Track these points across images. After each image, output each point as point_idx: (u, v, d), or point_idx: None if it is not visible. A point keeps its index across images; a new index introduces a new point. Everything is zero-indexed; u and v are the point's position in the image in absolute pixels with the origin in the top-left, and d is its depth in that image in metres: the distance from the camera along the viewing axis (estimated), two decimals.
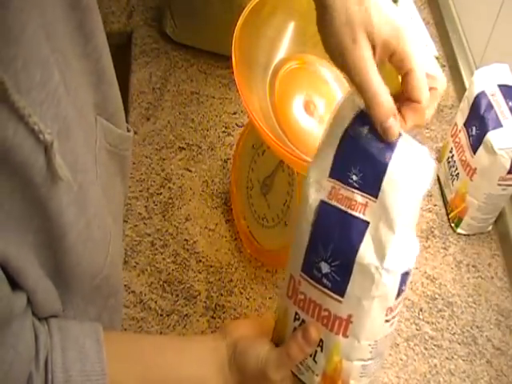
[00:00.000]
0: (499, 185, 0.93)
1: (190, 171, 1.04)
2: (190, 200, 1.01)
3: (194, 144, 1.07)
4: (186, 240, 0.97)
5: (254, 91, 0.80)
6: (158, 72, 1.16)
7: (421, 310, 0.94)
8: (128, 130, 0.70)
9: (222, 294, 0.92)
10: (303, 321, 0.61)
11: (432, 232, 1.02)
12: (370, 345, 0.59)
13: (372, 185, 0.54)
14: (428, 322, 0.93)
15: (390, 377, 0.88)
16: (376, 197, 0.54)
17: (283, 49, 0.84)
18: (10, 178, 0.45)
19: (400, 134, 0.55)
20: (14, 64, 0.42)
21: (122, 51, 1.18)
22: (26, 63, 0.43)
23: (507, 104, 0.92)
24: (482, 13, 1.14)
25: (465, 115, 0.97)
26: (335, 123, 0.57)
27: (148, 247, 0.96)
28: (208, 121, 1.10)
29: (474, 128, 0.95)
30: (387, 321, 0.58)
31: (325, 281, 0.57)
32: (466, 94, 0.98)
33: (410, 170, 0.54)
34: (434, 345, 0.91)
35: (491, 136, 0.90)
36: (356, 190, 0.55)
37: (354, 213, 0.55)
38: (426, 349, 0.91)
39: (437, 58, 1.12)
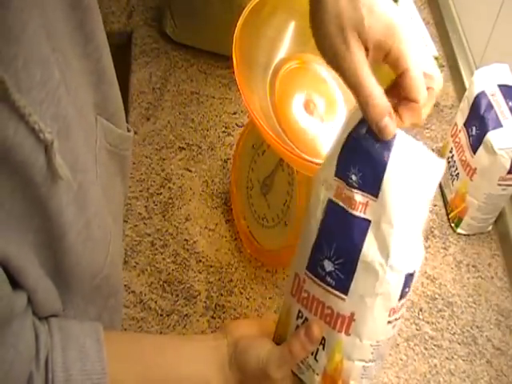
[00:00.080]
0: (499, 185, 0.93)
1: (190, 171, 1.04)
2: (190, 200, 1.01)
3: (194, 144, 1.07)
4: (185, 240, 0.97)
5: (254, 91, 0.80)
6: (158, 72, 1.16)
7: (421, 310, 0.94)
8: (128, 130, 0.70)
9: (222, 294, 0.92)
10: (306, 319, 0.61)
11: (432, 232, 1.02)
12: (371, 345, 0.59)
13: (372, 184, 0.55)
14: (428, 322, 0.93)
15: (390, 377, 0.88)
16: (376, 196, 0.55)
17: (283, 49, 0.84)
18: (11, 177, 0.45)
19: (399, 133, 0.55)
20: (15, 63, 0.42)
21: (122, 51, 1.18)
22: (27, 62, 0.43)
23: (507, 104, 0.92)
24: (481, 13, 1.14)
25: (465, 115, 0.97)
26: (342, 129, 0.58)
27: (148, 247, 0.96)
28: (208, 121, 1.10)
29: (474, 128, 0.95)
30: (390, 322, 0.58)
31: (328, 279, 0.58)
32: (466, 93, 0.98)
33: (411, 169, 0.54)
34: (434, 345, 0.91)
35: (491, 136, 0.90)
36: (356, 190, 0.56)
37: (354, 212, 0.56)
38: (426, 349, 0.91)
39: (437, 58, 1.12)
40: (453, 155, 1.01)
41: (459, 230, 1.01)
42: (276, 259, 0.93)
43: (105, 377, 0.57)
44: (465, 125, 0.97)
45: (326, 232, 0.58)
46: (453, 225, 1.02)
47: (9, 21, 0.42)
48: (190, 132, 1.09)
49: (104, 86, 0.62)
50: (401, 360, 0.89)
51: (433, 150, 1.10)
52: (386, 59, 0.56)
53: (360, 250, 0.55)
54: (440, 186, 1.06)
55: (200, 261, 0.95)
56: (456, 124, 1.00)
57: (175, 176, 1.03)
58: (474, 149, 0.94)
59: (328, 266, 0.58)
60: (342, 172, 0.57)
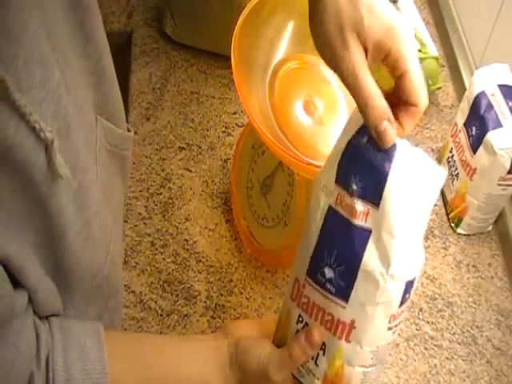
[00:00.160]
0: (499, 185, 0.93)
1: (190, 171, 1.04)
2: (190, 200, 1.01)
3: (194, 144, 1.07)
4: (185, 240, 0.97)
5: (253, 91, 0.80)
6: (158, 72, 1.16)
7: (421, 309, 0.94)
8: (128, 130, 0.70)
9: (222, 294, 0.92)
10: (306, 323, 0.61)
11: (432, 232, 1.02)
12: (371, 351, 0.59)
13: (373, 194, 0.54)
14: (428, 322, 0.93)
15: (390, 377, 0.88)
16: (377, 205, 0.54)
17: (283, 49, 0.84)
18: (11, 176, 0.45)
19: (400, 143, 0.54)
20: (15, 63, 0.42)
21: (122, 51, 1.18)
22: (27, 62, 0.43)
23: (507, 104, 0.92)
24: (482, 13, 1.14)
25: (465, 115, 0.97)
26: (343, 133, 0.58)
27: (148, 247, 0.96)
28: (208, 121, 1.10)
29: (474, 128, 0.95)
30: (390, 328, 0.58)
31: (329, 286, 0.58)
32: (466, 93, 0.98)
33: (412, 179, 0.54)
34: (434, 345, 0.91)
35: (491, 136, 0.90)
36: (357, 199, 0.55)
37: (355, 221, 0.55)
38: (426, 349, 0.91)
39: (437, 58, 1.12)
40: (453, 155, 1.01)
41: (459, 230, 1.01)
42: (276, 259, 0.93)
43: (105, 376, 0.57)
44: (465, 125, 0.97)
45: (326, 239, 0.58)
46: (453, 225, 1.02)
47: (9, 21, 0.42)
48: (190, 132, 1.09)
49: (104, 85, 0.62)
50: (401, 360, 0.89)
51: (433, 150, 1.10)
52: (385, 60, 0.55)
53: (361, 259, 0.55)
54: None
55: (200, 261, 0.95)
56: (456, 124, 1.00)
57: (175, 176, 1.03)
58: (474, 149, 0.94)
59: (328, 273, 0.57)
60: (342, 180, 0.56)
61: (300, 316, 0.62)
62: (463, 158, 0.97)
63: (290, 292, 0.63)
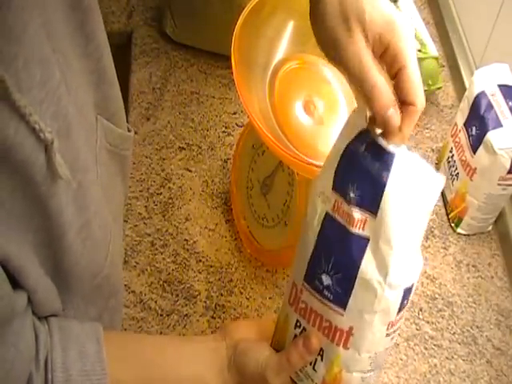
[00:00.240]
0: (499, 185, 0.93)
1: (190, 171, 1.04)
2: (190, 200, 1.01)
3: (194, 144, 1.07)
4: (185, 240, 0.97)
5: (253, 91, 0.80)
6: (158, 72, 1.16)
7: (421, 309, 0.94)
8: (128, 130, 0.70)
9: (222, 294, 0.92)
10: (304, 329, 0.61)
11: (432, 232, 1.02)
12: (370, 357, 0.59)
13: (370, 202, 0.54)
14: (428, 322, 0.93)
15: (390, 377, 0.88)
16: (375, 214, 0.54)
17: (283, 49, 0.84)
18: (11, 176, 0.45)
19: (398, 152, 0.53)
20: (15, 63, 0.43)
21: (122, 51, 1.18)
22: (27, 62, 0.43)
23: (507, 104, 0.92)
24: (482, 13, 1.14)
25: (465, 115, 0.97)
26: (340, 137, 0.57)
27: (148, 247, 0.96)
28: (208, 121, 1.10)
29: (474, 128, 0.95)
30: (388, 335, 0.58)
31: (326, 293, 0.57)
32: (466, 93, 0.98)
33: (410, 188, 0.53)
34: (434, 345, 0.91)
35: (491, 136, 0.90)
36: (354, 207, 0.55)
37: (352, 229, 0.55)
38: (425, 349, 0.91)
39: (437, 58, 1.12)
40: (453, 155, 1.01)
41: (459, 230, 1.01)
42: (276, 259, 0.93)
43: (105, 377, 0.57)
44: (465, 125, 0.97)
45: (323, 245, 0.58)
46: (453, 225, 1.02)
47: (10, 21, 0.42)
48: (190, 132, 1.09)
49: (104, 85, 0.62)
50: (401, 360, 0.89)
51: (433, 150, 1.10)
52: (383, 56, 0.55)
53: (358, 267, 0.55)
54: None
55: (200, 261, 0.95)
56: (456, 124, 1.00)
57: (175, 176, 1.03)
58: (474, 149, 0.94)
59: (326, 280, 0.57)
60: (339, 187, 0.56)
61: (298, 321, 0.62)
62: (463, 157, 0.97)
63: (287, 296, 0.62)
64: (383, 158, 0.53)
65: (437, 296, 0.95)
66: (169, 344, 0.68)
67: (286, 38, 0.83)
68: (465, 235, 1.02)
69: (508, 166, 0.90)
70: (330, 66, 0.84)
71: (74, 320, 0.59)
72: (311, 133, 0.82)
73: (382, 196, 0.53)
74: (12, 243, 0.47)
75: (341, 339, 0.58)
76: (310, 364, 0.61)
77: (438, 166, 1.07)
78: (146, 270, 0.94)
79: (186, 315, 0.90)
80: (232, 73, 0.75)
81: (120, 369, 0.60)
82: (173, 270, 0.94)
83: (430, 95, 1.15)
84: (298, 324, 0.62)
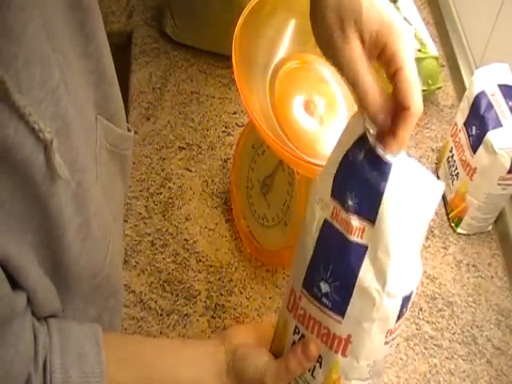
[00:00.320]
0: (499, 184, 0.93)
1: (190, 171, 1.04)
2: (189, 200, 1.01)
3: (194, 144, 1.07)
4: (185, 240, 0.97)
5: (253, 91, 0.80)
6: (158, 72, 1.16)
7: (421, 309, 0.94)
8: (128, 130, 0.70)
9: (221, 294, 0.92)
10: (303, 335, 0.61)
11: (432, 232, 1.02)
12: (368, 365, 0.58)
13: (368, 211, 0.54)
14: (428, 322, 0.93)
15: (390, 376, 0.88)
16: (373, 223, 0.54)
17: (283, 48, 0.84)
18: (11, 176, 0.45)
19: (395, 161, 0.53)
20: (15, 63, 0.43)
21: (122, 51, 1.18)
22: (27, 62, 0.43)
23: (507, 104, 0.92)
24: (482, 13, 1.14)
25: (465, 115, 0.97)
26: (339, 143, 0.57)
27: (148, 247, 0.96)
28: (208, 121, 1.10)
29: (473, 128, 0.95)
30: (387, 342, 0.58)
31: (325, 300, 0.57)
32: (466, 93, 0.98)
33: (408, 196, 0.53)
34: (434, 344, 0.91)
35: (491, 136, 0.90)
36: (352, 215, 0.55)
37: (351, 237, 0.55)
38: (425, 348, 0.91)
39: (437, 58, 1.12)
40: (453, 155, 1.01)
41: (459, 230, 1.01)
42: (276, 259, 0.93)
43: (103, 380, 0.57)
44: (465, 124, 0.97)
45: (321, 253, 0.57)
46: (453, 224, 1.02)
47: (10, 21, 0.42)
48: (190, 132, 1.09)
49: (104, 85, 0.62)
50: (401, 360, 0.89)
51: (433, 149, 1.10)
52: (380, 56, 0.54)
53: (356, 276, 0.55)
54: None
55: (200, 260, 0.95)
56: (456, 124, 1.00)
57: (175, 176, 1.03)
58: (474, 148, 0.94)
59: (324, 287, 0.57)
60: (338, 194, 0.56)
61: (297, 327, 0.61)
62: (463, 157, 0.97)
63: (286, 302, 0.62)
64: (381, 167, 0.53)
65: (437, 296, 0.95)
66: (168, 347, 0.68)
67: (286, 37, 0.83)
68: (465, 235, 1.02)
69: (508, 166, 0.90)
70: (329, 65, 0.84)
71: (73, 321, 0.59)
72: (311, 132, 0.83)
73: (379, 205, 0.53)
74: (11, 243, 0.47)
75: (339, 347, 0.58)
76: (309, 371, 0.61)
77: (437, 166, 1.07)
78: (146, 269, 0.94)
79: (186, 315, 0.90)
80: (232, 73, 0.75)
81: (119, 370, 0.60)
82: (173, 269, 0.94)
83: (430, 95, 1.15)
84: (297, 330, 0.61)
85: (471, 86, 0.97)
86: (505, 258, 1.00)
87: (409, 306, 0.58)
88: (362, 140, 0.54)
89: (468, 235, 1.02)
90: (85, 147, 0.55)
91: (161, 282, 0.93)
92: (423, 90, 1.11)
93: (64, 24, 0.53)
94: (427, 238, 1.01)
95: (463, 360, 0.90)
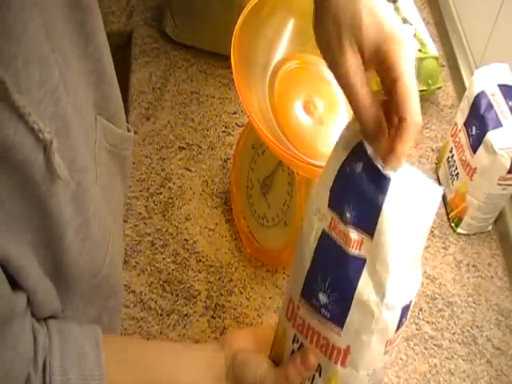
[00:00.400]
0: (499, 184, 0.93)
1: (190, 171, 1.04)
2: (189, 200, 1.01)
3: (194, 144, 1.07)
4: (185, 240, 0.97)
5: (253, 91, 0.80)
6: (158, 72, 1.16)
7: (421, 309, 0.94)
8: (128, 130, 0.70)
9: (221, 294, 0.92)
10: (302, 344, 0.61)
11: (432, 232, 1.01)
12: (368, 374, 0.58)
13: (367, 224, 0.53)
14: (428, 322, 0.93)
15: (390, 376, 0.88)
16: (372, 235, 0.53)
17: (283, 49, 0.84)
18: (11, 176, 0.45)
19: (393, 174, 0.52)
20: (15, 63, 0.43)
21: (122, 51, 1.18)
22: (26, 62, 0.43)
23: (507, 104, 0.92)
24: (482, 13, 1.14)
25: (465, 115, 0.97)
26: (335, 152, 0.56)
27: (148, 247, 0.96)
28: (208, 121, 1.10)
29: (473, 128, 0.95)
30: (386, 352, 0.58)
31: (323, 311, 0.57)
32: (466, 93, 0.98)
33: (407, 209, 0.52)
34: (434, 344, 0.91)
35: (491, 136, 0.90)
36: (351, 227, 0.54)
37: (349, 250, 0.54)
38: (425, 348, 0.91)
39: (437, 58, 1.12)
40: (453, 155, 1.01)
41: (459, 230, 1.01)
42: (276, 259, 0.93)
43: (103, 382, 0.56)
44: (465, 124, 0.97)
45: (319, 264, 0.57)
46: (453, 224, 1.02)
47: (10, 20, 0.42)
48: (190, 132, 1.09)
49: (104, 85, 0.62)
50: (401, 360, 0.89)
51: (433, 149, 1.10)
52: (380, 65, 0.53)
53: (355, 288, 0.54)
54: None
55: (200, 260, 0.95)
56: (456, 124, 1.00)
57: (175, 176, 1.03)
58: (474, 148, 0.94)
59: (323, 298, 0.56)
60: (335, 206, 0.55)
61: (296, 336, 0.61)
62: (463, 157, 0.97)
63: (285, 310, 0.62)
64: (379, 180, 0.52)
65: (437, 296, 0.95)
66: (168, 351, 0.68)
67: (285, 37, 0.83)
68: (465, 235, 1.02)
69: (508, 166, 0.90)
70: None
71: (73, 323, 0.59)
72: (311, 133, 0.82)
73: (378, 218, 0.52)
74: (11, 243, 0.47)
75: (338, 357, 0.57)
76: (308, 380, 0.61)
77: (437, 166, 1.07)
78: (146, 269, 0.94)
79: (186, 315, 0.90)
80: (232, 73, 0.75)
81: (119, 373, 0.60)
82: (173, 269, 0.94)
83: (430, 95, 1.15)
84: (296, 339, 0.61)
85: (471, 86, 0.97)
86: (505, 258, 1.00)
87: (408, 314, 0.57)
88: (359, 149, 0.53)
89: (468, 235, 1.02)
90: (84, 147, 0.55)
91: (161, 282, 0.93)
92: (423, 90, 1.11)
93: (63, 24, 0.53)
94: (427, 239, 1.00)
95: (463, 360, 0.90)
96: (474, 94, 0.95)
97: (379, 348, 0.56)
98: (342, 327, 0.56)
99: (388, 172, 0.52)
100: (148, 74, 1.15)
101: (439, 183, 1.06)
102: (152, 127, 1.09)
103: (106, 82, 0.62)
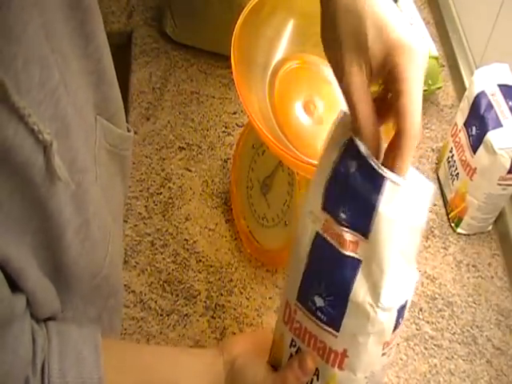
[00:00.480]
0: (499, 184, 0.93)
1: (190, 171, 1.04)
2: (190, 200, 1.01)
3: (194, 144, 1.07)
4: (185, 240, 0.97)
5: (253, 91, 0.80)
6: (158, 72, 1.16)
7: (421, 309, 0.94)
8: (128, 130, 0.70)
9: (221, 294, 0.92)
10: (299, 348, 0.60)
11: (432, 232, 1.02)
12: (366, 377, 0.58)
13: (362, 225, 0.52)
14: (428, 322, 0.93)
15: (390, 377, 0.88)
16: (367, 236, 0.52)
17: (283, 49, 0.84)
18: (10, 178, 0.45)
19: (389, 174, 0.51)
20: (15, 64, 0.42)
21: (122, 51, 1.18)
22: (26, 63, 0.43)
23: (507, 104, 0.92)
24: (482, 13, 1.14)
25: (465, 115, 0.97)
26: (327, 151, 0.55)
27: (148, 247, 0.96)
28: (208, 121, 1.10)
29: (473, 128, 0.95)
30: (384, 353, 0.57)
31: (319, 314, 0.56)
32: (466, 93, 0.98)
33: (402, 208, 0.51)
34: (434, 344, 0.91)
35: (491, 136, 0.90)
36: (345, 229, 0.53)
37: (344, 251, 0.53)
38: (425, 348, 0.91)
39: (437, 58, 1.12)
40: (453, 155, 1.01)
41: (459, 230, 1.01)
42: (276, 259, 0.93)
43: None
44: (465, 124, 0.97)
45: (314, 266, 0.56)
46: (453, 224, 1.02)
47: (10, 20, 0.42)
48: (190, 132, 1.09)
49: (104, 86, 0.62)
50: (401, 360, 0.89)
51: (433, 149, 1.10)
52: (386, 76, 0.51)
53: (350, 290, 0.53)
54: (440, 186, 1.06)
55: (200, 261, 0.95)
56: (456, 124, 1.00)
57: (175, 176, 1.03)
58: (474, 149, 0.94)
59: (318, 301, 0.56)
60: (329, 207, 0.54)
61: (293, 340, 0.61)
62: (463, 157, 0.97)
63: (282, 314, 0.61)
64: (374, 179, 0.51)
65: (437, 296, 0.95)
66: (167, 355, 0.68)
67: (285, 37, 0.83)
68: (465, 235, 1.02)
69: (508, 166, 0.90)
70: (329, 66, 0.84)
71: (72, 325, 0.59)
72: (311, 133, 0.82)
73: (373, 218, 0.51)
74: (11, 245, 0.47)
75: (335, 360, 0.57)
76: (307, 383, 0.61)
77: (438, 166, 1.07)
78: (146, 269, 0.94)
79: (186, 315, 0.90)
80: (232, 73, 0.75)
81: (117, 377, 0.60)
82: (173, 269, 0.94)
83: (430, 95, 1.15)
84: (294, 343, 0.61)
85: (471, 86, 0.97)
86: (505, 258, 1.00)
87: (405, 314, 0.57)
88: (351, 148, 0.52)
89: (468, 235, 1.02)
90: (84, 148, 0.55)
91: (161, 282, 0.93)
92: (423, 90, 1.11)
93: (63, 24, 0.53)
94: (427, 238, 1.01)
95: (463, 360, 0.90)
96: (474, 94, 0.95)
97: (376, 350, 0.56)
98: (339, 330, 0.55)
99: (383, 170, 0.51)
100: (148, 74, 1.15)
101: (439, 183, 1.06)
102: (152, 127, 1.09)
103: (106, 82, 0.62)
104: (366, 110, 0.52)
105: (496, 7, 1.05)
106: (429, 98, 1.15)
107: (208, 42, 1.16)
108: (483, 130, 0.92)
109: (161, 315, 0.90)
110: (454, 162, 1.00)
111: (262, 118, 0.77)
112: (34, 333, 0.53)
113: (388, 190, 0.51)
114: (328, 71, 0.85)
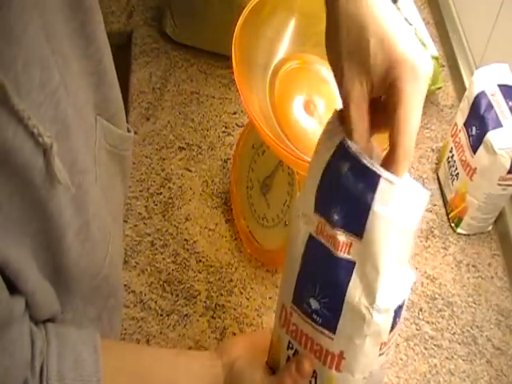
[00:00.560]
0: (499, 185, 0.93)
1: (190, 171, 1.04)
2: (190, 200, 1.01)
3: (194, 144, 1.07)
4: (185, 240, 0.97)
5: (253, 91, 0.80)
6: (158, 72, 1.16)
7: (421, 309, 0.94)
8: (128, 131, 0.70)
9: (221, 294, 0.92)
10: (296, 351, 0.60)
11: (432, 232, 1.02)
12: (364, 378, 0.57)
13: (355, 226, 0.51)
14: (428, 322, 0.93)
15: (390, 377, 0.88)
16: (360, 237, 0.51)
17: (283, 49, 0.84)
18: (10, 180, 0.45)
19: (384, 173, 0.50)
20: (15, 65, 0.42)
21: (122, 51, 1.18)
22: (26, 65, 0.43)
23: (507, 104, 0.92)
24: (481, 13, 1.14)
25: (465, 115, 0.97)
26: (319, 153, 0.54)
27: (148, 247, 0.96)
28: (208, 121, 1.10)
29: (473, 128, 0.95)
30: (381, 354, 0.57)
31: (315, 316, 0.56)
32: (466, 93, 0.98)
33: (395, 209, 0.51)
34: (434, 345, 0.91)
35: (491, 136, 0.90)
36: (339, 230, 0.52)
37: (338, 253, 0.53)
38: (425, 349, 0.91)
39: (437, 58, 1.12)
40: (453, 155, 1.01)
41: (459, 230, 1.01)
42: (276, 259, 0.93)
43: None
44: (465, 125, 0.97)
45: (308, 268, 0.56)
46: (453, 225, 1.02)
47: (10, 21, 0.41)
48: (190, 132, 1.09)
49: (104, 87, 0.62)
50: (401, 360, 0.89)
51: (433, 150, 1.10)
52: (387, 90, 0.51)
53: (345, 293, 0.53)
54: (440, 186, 1.06)
55: (200, 261, 0.95)
56: (456, 124, 1.00)
57: (175, 176, 1.03)
58: (474, 149, 0.94)
59: (314, 304, 0.55)
60: (322, 209, 0.53)
61: (290, 343, 0.60)
62: (463, 157, 0.97)
63: (278, 317, 0.61)
64: (367, 178, 0.50)
65: (437, 296, 0.95)
66: (166, 357, 0.68)
67: (286, 37, 0.83)
68: (465, 235, 1.02)
69: (508, 166, 0.90)
70: (329, 66, 0.84)
71: (71, 327, 0.59)
72: (311, 132, 0.83)
73: (367, 219, 0.50)
74: (10, 247, 0.47)
75: (333, 362, 0.56)
76: None
77: (438, 166, 1.07)
78: (146, 269, 0.94)
79: (186, 315, 0.90)
80: (232, 73, 0.75)
81: (116, 379, 0.60)
82: (173, 270, 0.94)
83: (430, 95, 1.15)
84: (291, 346, 0.61)
85: (471, 86, 0.97)
86: (505, 258, 1.00)
87: (402, 314, 0.56)
88: (343, 148, 0.52)
89: (468, 235, 1.02)
90: (84, 148, 0.55)
91: (161, 282, 0.93)
92: None
93: (64, 25, 0.53)
94: (427, 238, 1.01)
95: (463, 360, 0.90)
96: (474, 94, 0.95)
97: (373, 351, 0.56)
98: (335, 332, 0.55)
99: (378, 169, 0.50)
100: (148, 74, 1.15)
101: (439, 183, 1.06)
102: (152, 127, 1.09)
103: (107, 83, 0.62)
104: (361, 126, 0.51)
105: (496, 7, 1.05)
106: (429, 98, 1.15)
107: (208, 42, 1.16)
108: (483, 130, 0.92)
109: (161, 315, 0.90)
110: (454, 162, 1.00)
111: (263, 118, 0.77)
112: (32, 335, 0.53)
113: (383, 188, 0.50)
114: (328, 71, 0.85)
